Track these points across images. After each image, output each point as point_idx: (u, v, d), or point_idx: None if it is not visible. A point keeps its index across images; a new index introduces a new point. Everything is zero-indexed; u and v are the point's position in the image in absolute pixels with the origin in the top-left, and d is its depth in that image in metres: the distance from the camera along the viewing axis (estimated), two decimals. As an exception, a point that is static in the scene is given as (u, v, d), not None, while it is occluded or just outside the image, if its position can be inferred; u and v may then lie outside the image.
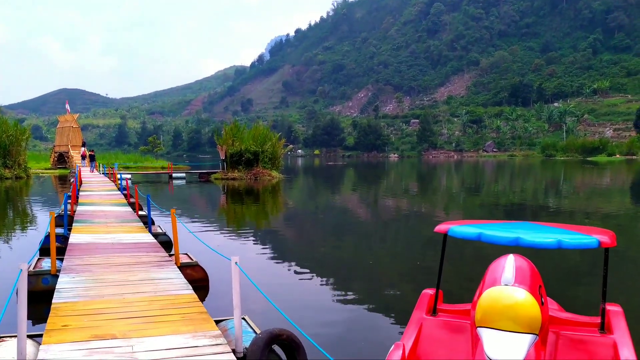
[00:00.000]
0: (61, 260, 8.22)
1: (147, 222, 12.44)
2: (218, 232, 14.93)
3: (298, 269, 10.30)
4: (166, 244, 11.69)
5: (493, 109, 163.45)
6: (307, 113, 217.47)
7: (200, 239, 8.42)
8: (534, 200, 25.58)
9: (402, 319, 6.76)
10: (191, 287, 6.50)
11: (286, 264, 10.86)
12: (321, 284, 9.23)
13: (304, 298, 8.34)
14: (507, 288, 3.07)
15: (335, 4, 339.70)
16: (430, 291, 4.50)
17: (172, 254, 8.79)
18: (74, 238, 9.92)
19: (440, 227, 4.13)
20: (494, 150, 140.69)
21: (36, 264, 8.17)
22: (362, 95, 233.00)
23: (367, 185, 39.89)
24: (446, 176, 51.82)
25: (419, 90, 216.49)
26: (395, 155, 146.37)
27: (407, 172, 60.67)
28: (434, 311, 4.27)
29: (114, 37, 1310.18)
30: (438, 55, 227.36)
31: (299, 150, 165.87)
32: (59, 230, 11.59)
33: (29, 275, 7.44)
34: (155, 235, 11.38)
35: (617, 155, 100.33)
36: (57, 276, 7.14)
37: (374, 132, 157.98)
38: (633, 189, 33.43)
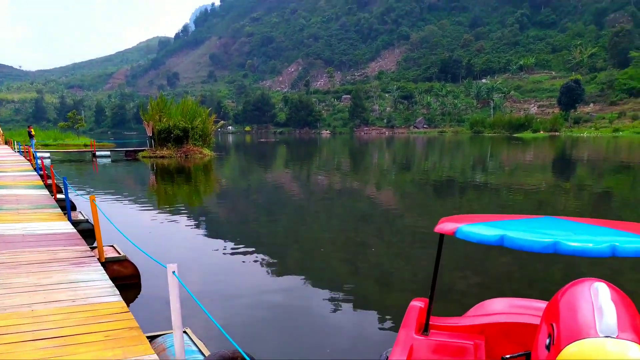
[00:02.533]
0: (-43, 258, 6.83)
1: (66, 207, 11.03)
2: (149, 217, 13.60)
3: (239, 257, 9.29)
4: (88, 232, 10.33)
5: (423, 85, 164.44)
6: (237, 88, 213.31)
7: (125, 235, 7.16)
8: (462, 176, 25.80)
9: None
10: (118, 292, 5.34)
11: (224, 251, 9.80)
12: (264, 273, 8.26)
13: (246, 294, 7.31)
14: (612, 343, 1.97)
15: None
16: (419, 303, 3.59)
17: (95, 247, 7.55)
18: (-25, 229, 8.44)
19: (445, 227, 3.00)
20: (425, 126, 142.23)
21: None
22: (293, 69, 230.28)
23: (300, 162, 39.16)
24: (378, 153, 51.98)
25: (350, 64, 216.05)
26: (327, 131, 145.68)
27: (339, 149, 60.30)
28: (425, 329, 3.40)
29: (25, 2, 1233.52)
30: (369, 28, 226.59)
31: (230, 127, 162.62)
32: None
33: None
34: (76, 224, 10.02)
35: (541, 132, 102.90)
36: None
37: (306, 108, 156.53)
38: (554, 165, 34.31)
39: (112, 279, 6.08)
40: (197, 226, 12.43)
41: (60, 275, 5.87)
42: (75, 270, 6.09)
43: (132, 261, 7.38)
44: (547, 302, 2.53)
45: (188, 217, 13.74)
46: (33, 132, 40.43)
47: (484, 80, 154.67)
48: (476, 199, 18.23)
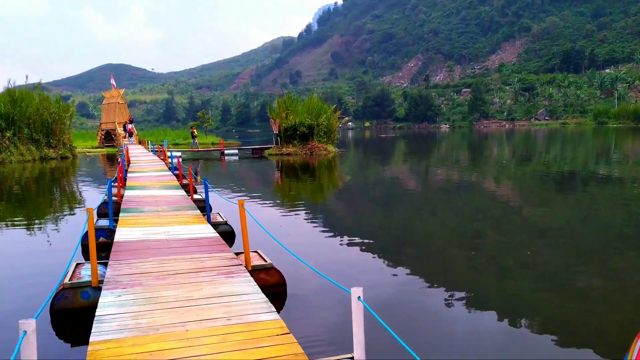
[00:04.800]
0: (105, 264, 6.65)
1: (205, 208, 10.89)
2: (287, 218, 13.34)
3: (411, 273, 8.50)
4: (228, 235, 10.12)
5: (545, 76, 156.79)
6: (357, 84, 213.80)
7: (279, 241, 6.70)
8: (585, 168, 25.41)
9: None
10: (274, 309, 4.79)
11: (393, 262, 9.07)
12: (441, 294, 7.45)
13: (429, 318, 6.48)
14: None
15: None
16: None
17: (240, 253, 7.13)
18: (120, 233, 8.32)
19: None
20: (546, 118, 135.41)
21: (74, 271, 6.60)
22: (412, 64, 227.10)
23: (422, 157, 38.87)
24: (497, 146, 50.76)
25: (469, 58, 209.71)
26: (447, 125, 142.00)
27: (458, 143, 59.01)
28: None
29: (158, 8, 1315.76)
30: (489, 21, 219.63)
31: (350, 123, 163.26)
32: (104, 222, 10.13)
33: (64, 289, 5.90)
34: (215, 225, 9.77)
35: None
36: (100, 288, 5.58)
37: (425, 103, 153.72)
38: None
39: (259, 287, 5.60)
40: (344, 233, 11.85)
41: (211, 287, 5.43)
42: (225, 281, 5.63)
43: (278, 268, 6.87)
44: None
45: (331, 222, 13.21)
46: (195, 133, 45.32)
47: (607, 71, 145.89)
48: (599, 192, 17.48)
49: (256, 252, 7.34)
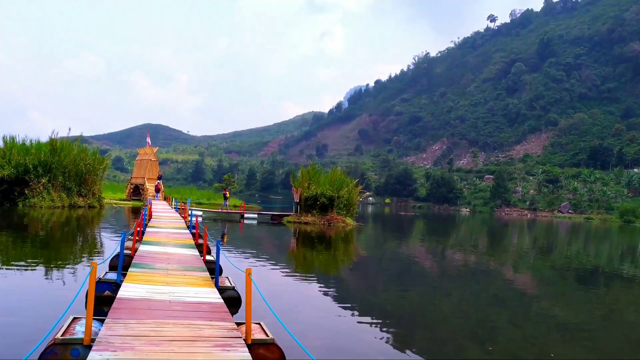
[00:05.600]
0: (101, 321, 6.41)
1: (214, 270, 10.64)
2: (297, 288, 13.09)
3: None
4: (234, 301, 9.83)
5: (570, 170, 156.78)
6: (381, 162, 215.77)
7: (280, 319, 6.42)
8: (609, 266, 24.82)
9: None
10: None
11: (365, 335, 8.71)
12: None
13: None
14: None
15: (417, 58, 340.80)
16: None
17: (241, 323, 6.83)
18: (125, 289, 8.07)
19: None
20: (570, 211, 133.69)
21: (69, 325, 6.35)
22: (437, 147, 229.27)
23: (441, 238, 38.41)
24: (517, 234, 50.12)
25: (494, 146, 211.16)
26: (467, 209, 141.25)
27: (478, 228, 58.55)
28: None
29: (201, 76, 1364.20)
30: (516, 113, 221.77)
31: (370, 198, 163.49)
32: (111, 276, 9.93)
33: (54, 344, 5.66)
34: (222, 290, 9.51)
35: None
36: (91, 347, 5.32)
37: (447, 185, 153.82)
38: None
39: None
40: (345, 301, 11.49)
41: (204, 358, 5.14)
42: (220, 354, 5.31)
43: (279, 345, 6.52)
44: None
45: (334, 289, 13.09)
46: (228, 195, 47.26)
47: (635, 170, 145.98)
48: (622, 291, 17.01)
49: (259, 324, 7.01)
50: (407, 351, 8.12)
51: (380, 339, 8.89)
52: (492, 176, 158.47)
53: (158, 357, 5.06)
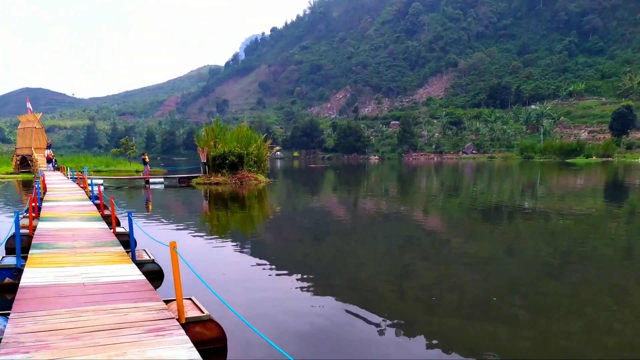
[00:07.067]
0: (5, 316, 5.53)
1: (127, 243, 9.77)
2: (219, 252, 12.39)
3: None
4: (155, 275, 9.09)
5: (472, 111, 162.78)
6: (285, 114, 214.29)
7: (217, 294, 5.84)
8: (512, 202, 26.06)
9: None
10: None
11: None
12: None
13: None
14: None
15: (312, 2, 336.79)
16: None
17: (170, 301, 6.16)
18: (28, 275, 7.09)
19: None
20: (474, 152, 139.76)
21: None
22: (341, 96, 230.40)
23: (352, 187, 38.57)
24: (426, 178, 51.62)
25: (398, 91, 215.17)
26: (376, 157, 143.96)
27: (387, 174, 59.64)
28: None
29: (79, 33, 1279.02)
30: (416, 56, 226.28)
31: (278, 152, 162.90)
32: (10, 261, 8.82)
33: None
34: (140, 265, 8.71)
35: (594, 157, 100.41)
36: (-5, 351, 4.49)
37: (354, 134, 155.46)
38: (608, 190, 34.32)
39: (194, 343, 4.71)
40: (268, 258, 11.02)
41: (136, 350, 4.45)
42: (153, 341, 4.66)
43: (216, 320, 5.91)
44: None
45: (254, 248, 12.58)
46: (147, 159, 42.61)
47: (533, 107, 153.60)
48: (523, 223, 17.96)
49: (190, 299, 6.35)
50: (327, 297, 8.38)
51: (303, 289, 8.95)
52: (397, 122, 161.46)
53: (80, 353, 4.34)
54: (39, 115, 53.75)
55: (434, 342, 6.40)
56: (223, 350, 5.82)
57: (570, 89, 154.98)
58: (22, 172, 48.72)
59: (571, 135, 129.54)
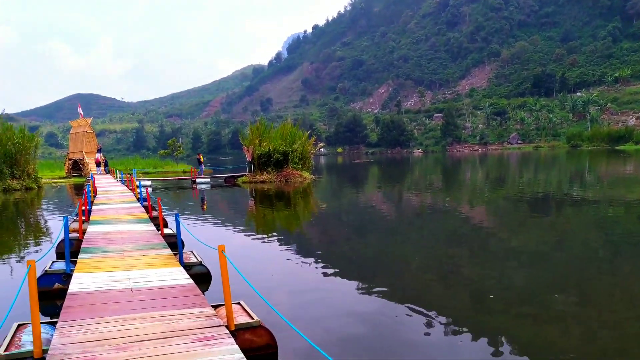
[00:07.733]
0: (53, 324, 5.42)
1: (175, 245, 9.66)
2: (267, 252, 12.27)
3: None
4: (203, 277, 8.94)
5: (516, 100, 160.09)
6: (328, 111, 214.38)
7: (267, 301, 5.62)
8: (560, 191, 25.79)
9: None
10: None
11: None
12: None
13: None
14: None
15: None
16: None
17: (218, 306, 5.96)
18: (77, 281, 7.02)
19: None
20: (519, 142, 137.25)
21: (14, 334, 5.29)
22: (383, 90, 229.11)
23: (397, 182, 38.47)
24: (470, 170, 50.91)
25: (440, 83, 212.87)
26: (420, 150, 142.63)
27: (432, 168, 59.10)
28: None
29: (126, 39, 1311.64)
30: (458, 47, 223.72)
31: (322, 149, 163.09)
32: (60, 266, 8.82)
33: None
34: (188, 267, 8.59)
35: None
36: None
37: (397, 128, 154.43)
38: None
39: (243, 351, 4.47)
40: (315, 256, 10.75)
41: (184, 358, 4.25)
42: (203, 351, 4.42)
43: (266, 326, 5.66)
44: None
45: (301, 247, 12.44)
46: (202, 159, 44.48)
47: (578, 94, 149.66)
48: (572, 214, 17.50)
49: (239, 304, 6.14)
50: (375, 297, 8.17)
51: (350, 293, 8.63)
52: (440, 114, 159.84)
53: (128, 366, 4.15)
54: (89, 120, 55.02)
55: (484, 340, 6.19)
56: (274, 357, 5.57)
57: (616, 74, 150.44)
58: (74, 175, 49.90)
59: (619, 121, 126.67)
